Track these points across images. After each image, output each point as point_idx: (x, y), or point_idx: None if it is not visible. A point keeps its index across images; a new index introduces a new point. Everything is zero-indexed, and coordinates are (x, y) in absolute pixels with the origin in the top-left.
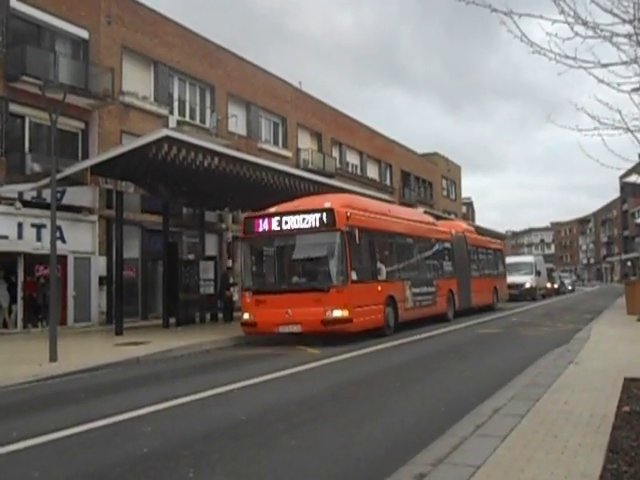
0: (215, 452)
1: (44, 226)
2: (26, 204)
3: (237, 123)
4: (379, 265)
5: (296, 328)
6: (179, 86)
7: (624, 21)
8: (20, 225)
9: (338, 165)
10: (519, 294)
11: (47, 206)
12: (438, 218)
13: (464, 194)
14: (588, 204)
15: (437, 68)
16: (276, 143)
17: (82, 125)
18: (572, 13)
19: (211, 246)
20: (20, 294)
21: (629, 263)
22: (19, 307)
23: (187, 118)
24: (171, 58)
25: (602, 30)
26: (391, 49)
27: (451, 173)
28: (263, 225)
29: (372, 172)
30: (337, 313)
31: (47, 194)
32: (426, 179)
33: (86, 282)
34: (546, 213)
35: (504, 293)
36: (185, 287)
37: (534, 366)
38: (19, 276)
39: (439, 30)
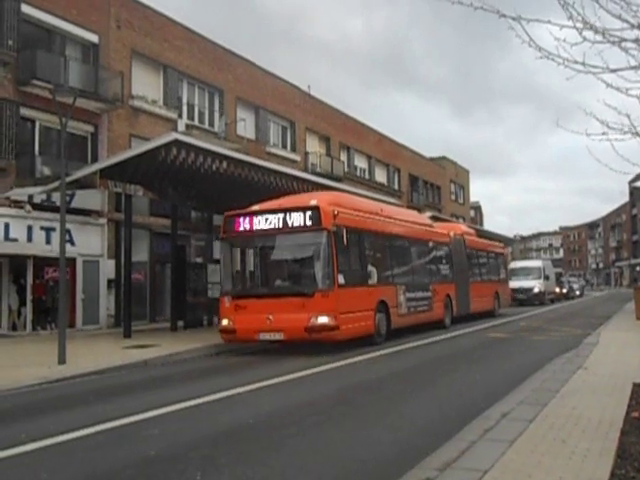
0: (223, 455)
1: (53, 229)
2: (36, 207)
3: (246, 127)
4: (370, 268)
5: (278, 336)
6: (188, 90)
7: (633, 26)
8: (30, 228)
9: (346, 169)
10: (527, 299)
11: (57, 209)
12: (436, 219)
13: (473, 198)
14: (598, 209)
15: (447, 72)
16: (284, 147)
17: (92, 129)
18: (581, 18)
19: (219, 250)
20: (29, 297)
21: (638, 268)
22: (28, 310)
23: (196, 122)
24: (180, 62)
25: (611, 35)
26: (401, 53)
27: (459, 177)
28: (244, 224)
29: (380, 176)
30: (322, 319)
31: (57, 197)
32: (434, 183)
33: (95, 285)
34: (555, 217)
35: (506, 299)
36: (193, 290)
37: (542, 371)
38: (28, 279)
39: (449, 34)
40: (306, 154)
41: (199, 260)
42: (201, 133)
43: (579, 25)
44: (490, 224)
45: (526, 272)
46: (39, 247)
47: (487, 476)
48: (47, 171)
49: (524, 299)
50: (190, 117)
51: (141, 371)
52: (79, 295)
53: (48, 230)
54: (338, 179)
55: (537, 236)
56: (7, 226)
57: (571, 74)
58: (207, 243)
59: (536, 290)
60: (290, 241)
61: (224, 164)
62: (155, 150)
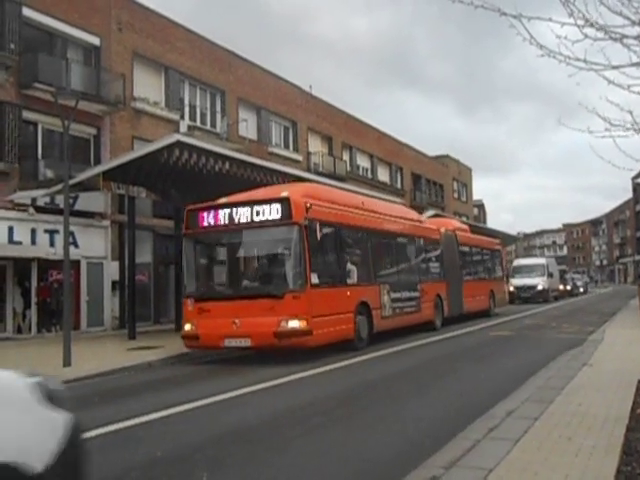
0: (229, 456)
1: (57, 232)
2: (39, 210)
3: (247, 127)
4: (349, 266)
5: (245, 342)
6: (190, 91)
7: (634, 22)
8: (34, 231)
9: (349, 168)
10: (531, 296)
11: (60, 212)
12: (438, 217)
13: (476, 196)
14: (601, 205)
15: (452, 70)
16: (287, 147)
17: (94, 131)
18: (582, 15)
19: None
20: (34, 299)
21: None
22: (33, 312)
23: (198, 123)
24: (182, 64)
25: (612, 32)
26: (405, 52)
27: (462, 175)
28: (208, 218)
29: (383, 175)
30: (293, 324)
31: (60, 200)
32: (437, 181)
33: (99, 287)
34: (559, 215)
35: (502, 298)
36: None
37: (547, 368)
38: (33, 281)
39: (454, 32)
40: (308, 154)
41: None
42: (203, 134)
43: (580, 22)
44: (494, 222)
45: (530, 270)
46: (43, 250)
47: (492, 474)
48: (50, 174)
49: (528, 297)
50: (192, 118)
51: (146, 373)
52: (83, 297)
53: (52, 233)
54: (341, 179)
55: (540, 233)
56: (11, 229)
57: (573, 71)
58: None
59: (540, 288)
60: (258, 237)
61: (226, 165)
62: (157, 152)
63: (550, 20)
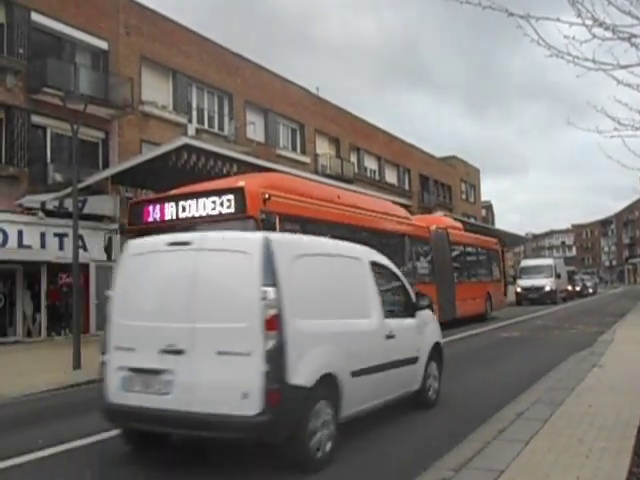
0: None
1: (66, 235)
2: (49, 214)
3: (255, 130)
4: None
5: None
6: (197, 95)
7: None
8: (43, 235)
9: (356, 170)
10: (539, 297)
11: (69, 215)
12: (429, 213)
13: (485, 197)
14: (611, 206)
15: (461, 70)
16: (294, 149)
17: (102, 135)
18: (590, 15)
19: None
20: (43, 303)
21: None
22: (43, 316)
23: (206, 126)
24: (189, 67)
25: (620, 31)
26: (414, 52)
27: (470, 176)
28: (154, 213)
29: (390, 177)
30: None
31: (69, 203)
32: (445, 183)
33: (108, 290)
34: (568, 215)
35: (500, 300)
36: None
37: (557, 369)
38: (42, 285)
39: (463, 33)
40: (316, 156)
41: None
42: (211, 137)
43: (588, 22)
44: (502, 223)
45: (537, 270)
46: (52, 253)
47: (503, 476)
48: (59, 178)
49: (535, 298)
50: (200, 121)
51: None
52: (93, 300)
53: (61, 236)
54: (348, 180)
55: (549, 234)
56: (20, 233)
57: (581, 72)
58: None
59: (547, 289)
60: None
61: (234, 167)
62: (166, 155)
63: (558, 20)
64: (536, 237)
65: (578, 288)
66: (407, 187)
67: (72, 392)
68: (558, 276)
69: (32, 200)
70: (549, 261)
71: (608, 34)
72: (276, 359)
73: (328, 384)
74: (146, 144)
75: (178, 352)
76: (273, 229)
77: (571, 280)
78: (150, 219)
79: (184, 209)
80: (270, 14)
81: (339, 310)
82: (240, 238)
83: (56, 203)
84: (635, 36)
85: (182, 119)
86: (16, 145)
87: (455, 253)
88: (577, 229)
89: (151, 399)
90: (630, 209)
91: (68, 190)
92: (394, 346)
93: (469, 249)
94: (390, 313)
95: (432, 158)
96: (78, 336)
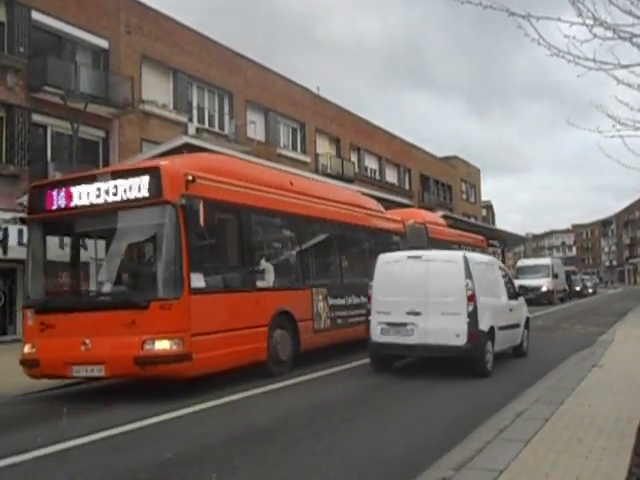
0: (238, 457)
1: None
2: None
3: (256, 129)
4: (263, 264)
5: (97, 370)
6: (198, 94)
7: None
8: None
9: (357, 170)
10: (535, 298)
11: None
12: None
13: (486, 197)
14: (612, 206)
15: (463, 70)
16: (295, 148)
17: (103, 134)
18: (591, 15)
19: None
20: None
21: None
22: None
23: (206, 125)
24: (190, 66)
25: (621, 31)
26: (417, 53)
27: (471, 176)
28: (58, 198)
29: (391, 176)
30: (161, 345)
31: None
32: (445, 183)
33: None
34: (568, 215)
35: None
36: None
37: (557, 369)
38: None
39: (465, 33)
40: (316, 155)
41: None
42: (211, 136)
43: (589, 22)
44: (504, 222)
45: (534, 270)
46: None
47: (503, 476)
48: (60, 176)
49: (532, 298)
50: (200, 120)
51: None
52: None
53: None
54: (349, 180)
55: (550, 234)
56: (21, 232)
57: (582, 71)
58: None
59: (544, 289)
60: (120, 222)
61: None
62: (166, 154)
63: (559, 20)
64: (536, 237)
65: (578, 288)
66: (407, 187)
67: (72, 390)
68: (555, 276)
69: None
70: (546, 261)
71: (609, 34)
72: (473, 316)
73: (491, 331)
74: (146, 143)
75: (417, 313)
76: (196, 217)
77: (569, 280)
78: (53, 205)
79: (91, 193)
80: (273, 13)
81: (491, 293)
82: (452, 254)
83: None
84: (636, 36)
85: (183, 118)
86: (16, 144)
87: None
88: (577, 229)
89: (400, 338)
90: (630, 209)
91: None
92: (512, 316)
93: (453, 247)
94: (509, 296)
95: (433, 158)
96: None
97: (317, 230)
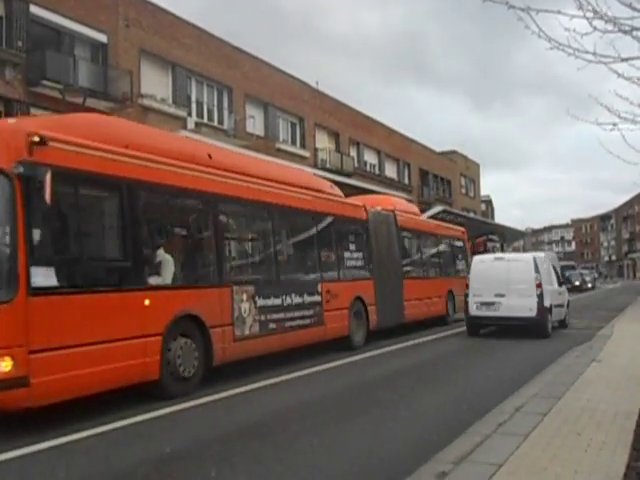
0: (237, 453)
1: None
2: None
3: (255, 124)
4: (160, 256)
5: None
6: (197, 88)
7: None
8: None
9: (356, 164)
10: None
11: None
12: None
13: (486, 191)
14: (611, 200)
15: (465, 65)
16: (294, 143)
17: None
18: (591, 8)
19: None
20: None
21: None
22: None
23: (205, 120)
24: (189, 60)
25: (622, 24)
26: (418, 47)
27: (470, 171)
28: None
29: (390, 171)
30: None
31: None
32: (445, 177)
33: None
34: (568, 210)
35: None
36: None
37: (556, 364)
38: None
39: (467, 27)
40: (315, 150)
41: None
42: (210, 131)
43: (589, 14)
44: (504, 217)
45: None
46: None
47: (502, 470)
48: None
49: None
50: (199, 115)
51: None
52: None
53: None
54: (348, 174)
55: (549, 229)
56: None
57: (582, 64)
58: None
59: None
60: None
61: None
62: None
63: (559, 12)
64: (536, 232)
65: (577, 283)
66: (407, 181)
67: None
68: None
69: None
70: (526, 256)
71: (609, 27)
72: (540, 297)
73: (550, 307)
74: None
75: (502, 295)
76: (41, 191)
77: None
78: None
79: None
80: (272, 7)
81: (548, 282)
82: (525, 256)
83: None
84: (636, 29)
85: (181, 112)
86: None
87: (405, 242)
88: (576, 224)
89: (490, 313)
90: (630, 204)
91: None
92: (560, 298)
93: (426, 238)
94: (558, 284)
95: (432, 153)
96: None
97: (243, 215)
